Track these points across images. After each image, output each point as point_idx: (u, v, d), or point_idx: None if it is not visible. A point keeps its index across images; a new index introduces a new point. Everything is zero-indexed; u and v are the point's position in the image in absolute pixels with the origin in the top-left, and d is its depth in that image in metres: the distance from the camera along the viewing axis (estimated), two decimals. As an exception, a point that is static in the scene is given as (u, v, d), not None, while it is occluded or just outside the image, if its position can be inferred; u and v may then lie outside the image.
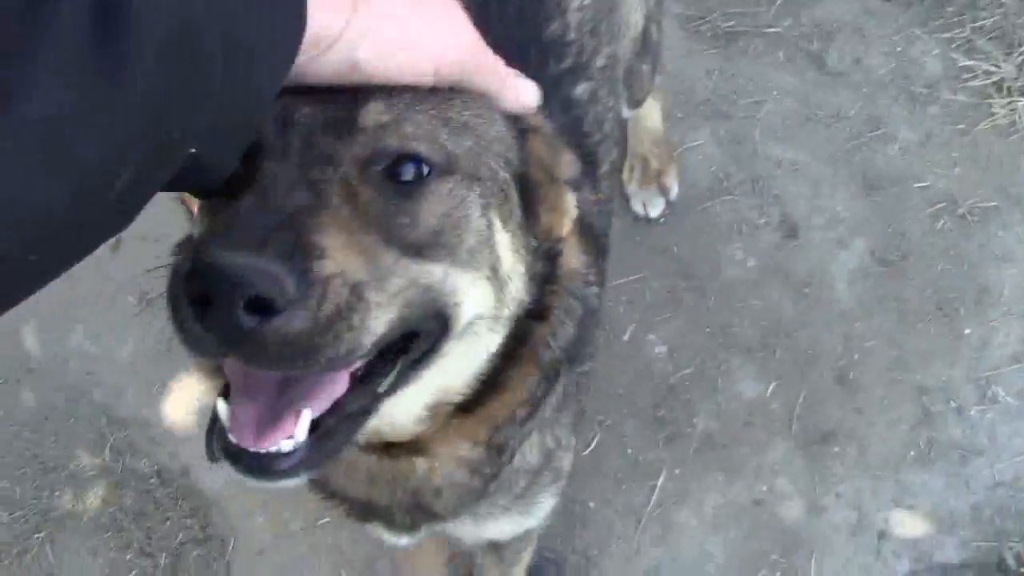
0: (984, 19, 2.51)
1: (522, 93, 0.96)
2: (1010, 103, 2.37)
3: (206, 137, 0.70)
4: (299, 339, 0.73)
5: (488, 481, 1.19)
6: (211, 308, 0.71)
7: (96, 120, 0.60)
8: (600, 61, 1.55)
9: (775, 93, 2.44)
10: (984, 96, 2.40)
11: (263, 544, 2.38)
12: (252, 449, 0.83)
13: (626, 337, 2.29)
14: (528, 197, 0.99)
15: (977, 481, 2.22)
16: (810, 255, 2.33)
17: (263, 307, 0.70)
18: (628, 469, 2.25)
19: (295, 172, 0.80)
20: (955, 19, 2.55)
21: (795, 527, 2.22)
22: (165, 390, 2.47)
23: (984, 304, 2.28)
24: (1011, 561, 2.16)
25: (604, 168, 1.55)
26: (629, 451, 2.26)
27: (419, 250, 0.85)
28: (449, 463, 1.14)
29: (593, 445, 2.25)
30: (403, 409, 1.00)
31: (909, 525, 2.21)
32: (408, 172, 0.85)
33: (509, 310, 0.97)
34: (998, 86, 2.40)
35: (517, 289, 0.97)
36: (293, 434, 0.83)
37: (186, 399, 2.47)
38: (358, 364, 0.84)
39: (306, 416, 0.84)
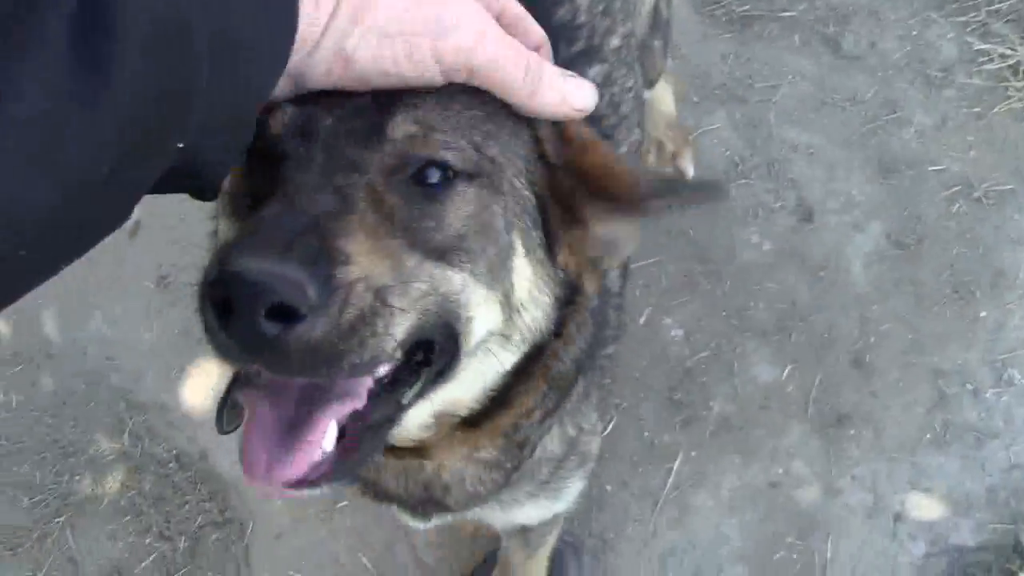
0: (999, 2, 2.50)
1: (570, 94, 0.86)
2: (1026, 86, 2.38)
3: (197, 135, 0.69)
4: (322, 345, 0.72)
5: (509, 474, 1.19)
6: (233, 315, 0.70)
7: (82, 117, 0.60)
8: (615, 42, 1.54)
9: (790, 77, 2.44)
10: (1000, 79, 2.40)
11: (281, 527, 2.40)
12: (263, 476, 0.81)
13: (642, 320, 2.30)
14: (548, 222, 0.95)
15: (993, 463, 2.22)
16: (826, 238, 2.34)
17: (286, 314, 0.69)
18: (644, 452, 2.26)
19: (319, 178, 0.80)
20: (970, 2, 2.54)
21: (811, 509, 2.23)
22: (184, 375, 2.49)
23: (1000, 287, 2.28)
24: (1027, 543, 2.18)
25: (623, 150, 1.55)
26: (645, 434, 2.27)
27: (442, 254, 0.83)
28: (457, 463, 1.14)
29: (610, 428, 2.26)
30: (410, 417, 0.98)
31: (925, 507, 2.22)
32: (434, 175, 0.84)
33: (522, 336, 0.95)
34: (1014, 69, 2.40)
35: (534, 319, 0.95)
36: (304, 472, 0.81)
37: (205, 383, 2.49)
38: (381, 371, 0.83)
39: (332, 428, 0.82)
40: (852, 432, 2.25)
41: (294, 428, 0.82)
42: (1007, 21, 2.48)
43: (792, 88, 2.43)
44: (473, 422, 1.03)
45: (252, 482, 0.81)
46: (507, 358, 0.96)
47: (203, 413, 2.49)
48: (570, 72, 0.87)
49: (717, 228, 2.35)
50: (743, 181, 2.38)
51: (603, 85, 1.49)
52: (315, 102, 0.81)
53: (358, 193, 0.80)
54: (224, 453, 2.47)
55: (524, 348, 0.97)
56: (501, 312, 0.91)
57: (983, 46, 2.44)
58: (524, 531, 1.82)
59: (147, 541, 2.46)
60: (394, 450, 1.08)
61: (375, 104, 0.82)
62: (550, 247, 0.95)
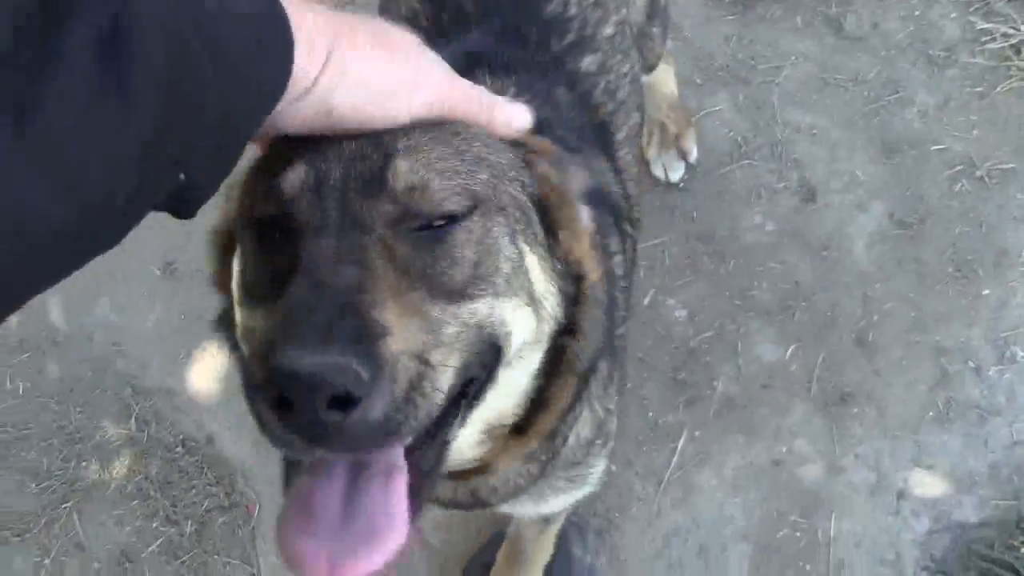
0: (1001, -19, 2.51)
1: (513, 118, 0.98)
2: (1028, 65, 2.38)
3: (194, 163, 0.72)
4: (382, 421, 0.75)
5: (545, 465, 1.22)
6: (294, 412, 0.72)
7: (103, 141, 0.62)
8: (608, 30, 1.56)
9: (793, 58, 2.44)
10: (1002, 59, 2.40)
11: (288, 510, 2.42)
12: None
13: (646, 301, 2.31)
14: (547, 220, 1.00)
15: (995, 440, 2.23)
16: (828, 218, 2.34)
17: (344, 402, 0.72)
18: (648, 432, 2.28)
19: (336, 245, 0.82)
20: (972, -18, 2.54)
21: (814, 488, 2.24)
22: (189, 360, 2.50)
23: (1002, 265, 2.29)
24: (1029, 519, 2.19)
25: (621, 135, 1.56)
26: (650, 414, 2.28)
27: (462, 292, 0.87)
28: (511, 468, 1.17)
29: (614, 408, 2.27)
30: (462, 439, 1.00)
31: (928, 485, 2.23)
32: (438, 221, 0.88)
33: (547, 329, 0.99)
34: (1016, 48, 2.40)
35: (552, 307, 0.98)
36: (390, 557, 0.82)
37: (210, 368, 2.50)
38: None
39: (402, 482, 0.84)
40: (855, 410, 2.26)
41: (353, 510, 0.83)
42: (1010, 0, 2.48)
43: (795, 69, 2.43)
44: (521, 428, 1.07)
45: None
46: (535, 358, 1.00)
47: (209, 398, 2.50)
48: (509, 99, 0.99)
49: (720, 209, 2.36)
50: (746, 162, 2.39)
51: (598, 73, 1.51)
52: (319, 153, 0.86)
53: (375, 254, 0.82)
54: (231, 438, 2.48)
55: (546, 343, 1.00)
56: (531, 312, 0.95)
57: (986, 25, 2.44)
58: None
59: (154, 525, 2.47)
60: (458, 475, 1.11)
61: (373, 147, 0.87)
62: (548, 240, 0.99)
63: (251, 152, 0.91)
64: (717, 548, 2.23)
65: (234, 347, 1.05)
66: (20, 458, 2.52)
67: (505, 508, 1.34)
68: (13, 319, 2.58)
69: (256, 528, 2.42)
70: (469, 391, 0.91)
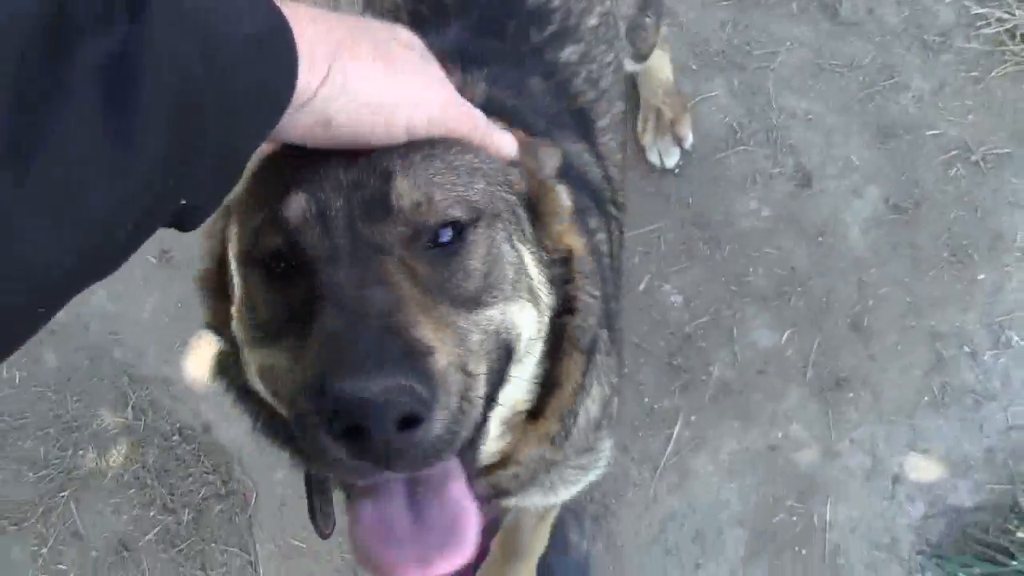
0: (996, -33, 2.50)
1: (501, 146, 1.00)
2: (1023, 50, 2.37)
3: (195, 188, 0.73)
4: (444, 434, 0.77)
5: (560, 446, 1.22)
6: (365, 438, 0.73)
7: (107, 181, 0.62)
8: (592, 21, 1.56)
9: (789, 44, 2.44)
10: (997, 43, 2.40)
11: (285, 497, 2.42)
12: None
13: (642, 287, 2.31)
14: (532, 210, 1.02)
15: (991, 425, 2.24)
16: (824, 204, 2.34)
17: (410, 421, 0.74)
18: (644, 417, 2.28)
19: (357, 271, 0.83)
20: (967, -33, 2.54)
21: (810, 472, 2.25)
22: (186, 348, 2.50)
23: (998, 250, 2.29)
24: (1024, 503, 2.19)
25: (604, 122, 1.56)
26: (646, 399, 2.28)
27: (476, 300, 0.89)
28: (533, 454, 1.19)
29: (610, 394, 2.27)
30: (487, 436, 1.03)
31: (923, 469, 2.24)
32: (446, 235, 0.90)
33: (546, 319, 1.01)
34: (1011, 33, 2.40)
35: (546, 295, 1.01)
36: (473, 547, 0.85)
37: (206, 357, 2.49)
38: None
39: (461, 479, 0.88)
40: (851, 395, 2.27)
41: (421, 515, 0.86)
42: (1004, -15, 2.48)
43: (790, 55, 2.43)
44: (536, 412, 1.08)
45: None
46: (539, 347, 1.02)
47: (206, 386, 2.50)
48: (499, 125, 1.01)
49: (716, 195, 2.36)
50: (742, 148, 2.39)
51: (579, 63, 1.51)
52: (316, 183, 0.86)
53: (398, 275, 0.84)
54: (227, 426, 2.48)
55: (546, 329, 1.02)
56: (533, 307, 0.97)
57: (980, 10, 2.44)
58: None
59: (151, 514, 2.48)
60: (486, 470, 1.12)
61: (372, 170, 0.87)
62: (534, 230, 1.02)
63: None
64: (713, 533, 2.24)
65: (240, 391, 1.06)
66: (17, 447, 2.52)
67: (515, 500, 1.35)
68: (9, 308, 2.58)
69: (253, 516, 2.43)
70: (492, 393, 0.93)
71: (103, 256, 0.67)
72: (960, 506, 2.22)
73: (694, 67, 2.43)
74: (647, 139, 2.37)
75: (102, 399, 2.53)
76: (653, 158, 2.37)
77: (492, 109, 1.09)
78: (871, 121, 2.37)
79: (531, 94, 1.38)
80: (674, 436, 2.27)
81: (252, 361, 0.94)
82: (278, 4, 0.77)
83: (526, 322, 0.96)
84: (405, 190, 0.87)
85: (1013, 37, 2.40)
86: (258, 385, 0.96)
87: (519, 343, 0.95)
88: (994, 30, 2.41)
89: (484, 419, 0.90)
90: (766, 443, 2.26)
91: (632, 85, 2.42)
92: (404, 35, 0.92)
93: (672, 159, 2.36)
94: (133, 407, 2.51)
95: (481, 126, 0.96)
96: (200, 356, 2.51)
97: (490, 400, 0.91)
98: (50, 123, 0.59)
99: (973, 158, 2.33)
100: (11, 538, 2.48)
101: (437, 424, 0.76)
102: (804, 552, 2.22)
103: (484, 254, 0.92)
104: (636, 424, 2.27)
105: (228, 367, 1.07)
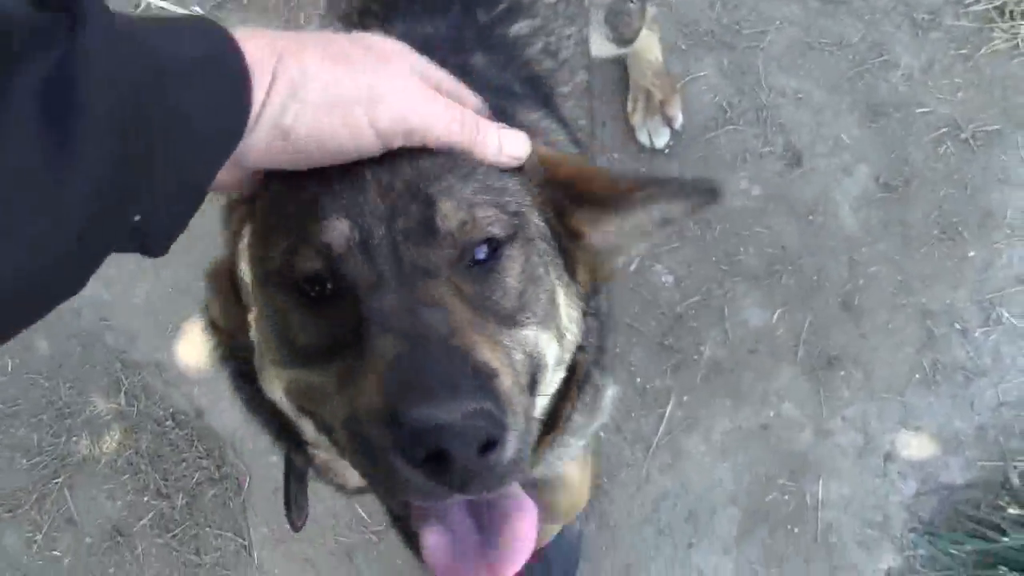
0: (986, -56, 2.50)
1: (506, 144, 0.93)
2: (1012, 27, 2.37)
3: (150, 205, 0.72)
4: (515, 455, 0.78)
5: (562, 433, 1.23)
6: (441, 464, 0.73)
7: (49, 191, 0.62)
8: None
9: (778, 23, 2.43)
10: (986, 20, 2.40)
11: (278, 482, 2.41)
12: None
13: (633, 268, 2.31)
14: (560, 242, 1.00)
15: (982, 402, 2.24)
16: (814, 182, 2.34)
17: (489, 445, 0.75)
18: (636, 398, 2.28)
19: (407, 295, 0.82)
20: (956, -56, 2.53)
21: (802, 451, 2.25)
22: (178, 333, 2.50)
23: (988, 227, 2.29)
24: (1016, 480, 2.20)
25: (566, 89, 1.54)
26: (637, 380, 2.29)
27: (513, 319, 0.90)
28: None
29: (602, 375, 2.27)
30: None
31: (915, 447, 2.24)
32: (482, 252, 0.89)
33: (567, 357, 1.01)
34: (1000, 10, 2.39)
35: (573, 335, 1.01)
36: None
37: (199, 342, 2.49)
38: None
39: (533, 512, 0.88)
40: (842, 373, 2.27)
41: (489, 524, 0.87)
42: (993, -38, 2.47)
43: (779, 34, 2.42)
44: (551, 425, 1.09)
45: None
46: (559, 377, 1.03)
47: (198, 371, 2.50)
48: (504, 125, 0.94)
49: (706, 174, 2.35)
50: (731, 127, 2.38)
51: (533, 35, 1.49)
52: (356, 206, 0.85)
53: (450, 297, 0.84)
54: (220, 410, 2.48)
55: (568, 363, 1.03)
56: (558, 345, 0.97)
57: (969, -12, 2.44)
58: None
59: (145, 499, 2.48)
60: None
61: (409, 197, 0.86)
62: (567, 266, 1.00)
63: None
64: (706, 512, 2.24)
65: (258, 404, 1.05)
66: (10, 434, 2.52)
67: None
68: (0, 295, 2.58)
69: (247, 500, 2.43)
70: None
71: (55, 270, 0.66)
72: (952, 483, 2.22)
73: (683, 47, 2.42)
74: (637, 119, 2.37)
75: (95, 385, 2.53)
76: (643, 138, 2.37)
77: None
78: (861, 99, 2.37)
79: (476, 72, 1.36)
80: (666, 416, 2.27)
81: (279, 377, 0.93)
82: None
83: (551, 354, 0.96)
84: (450, 211, 0.86)
85: (1002, 14, 2.39)
86: (276, 394, 0.95)
87: (544, 373, 0.95)
88: (983, 7, 2.41)
89: None
90: (758, 422, 2.27)
91: (622, 66, 2.42)
92: (371, 39, 0.88)
93: (662, 139, 2.35)
94: (126, 393, 2.52)
95: (468, 124, 0.89)
96: (193, 341, 2.51)
97: None
98: None
99: (963, 135, 2.33)
100: (5, 525, 2.49)
101: (511, 446, 0.77)
102: (796, 531, 2.23)
103: (519, 272, 0.91)
104: (628, 404, 2.27)
105: (246, 378, 1.06)
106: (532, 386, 0.93)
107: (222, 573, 2.40)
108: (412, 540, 0.88)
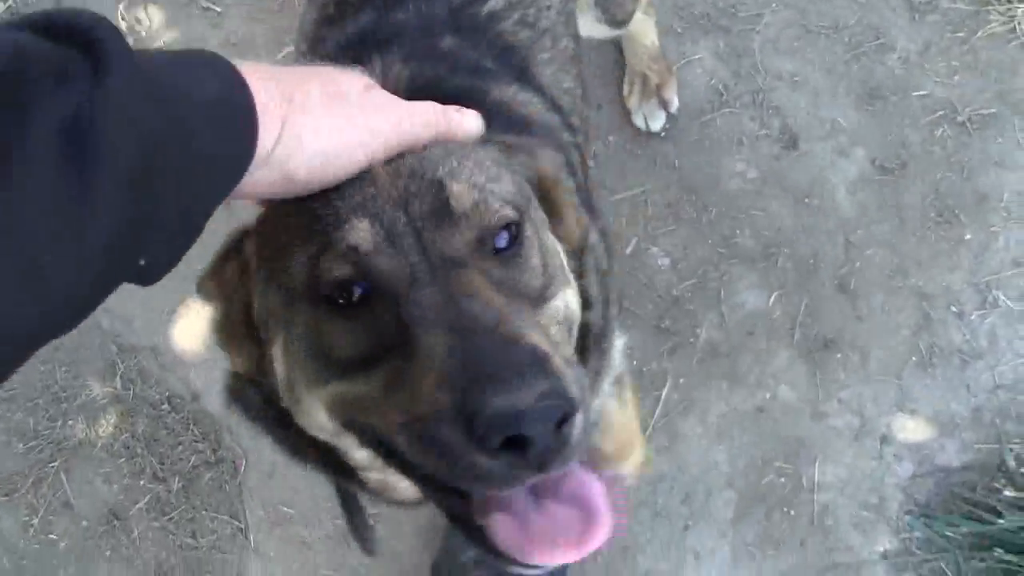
0: (983, -72, 2.49)
1: (466, 125, 0.99)
2: (1008, 9, 2.36)
3: (155, 248, 0.73)
4: (583, 430, 0.79)
5: None
6: (521, 449, 0.75)
7: (67, 242, 0.62)
8: None
9: (774, 5, 2.43)
10: (983, 3, 2.39)
11: (274, 465, 2.42)
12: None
13: (629, 250, 2.31)
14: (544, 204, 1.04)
15: (978, 384, 2.24)
16: (811, 165, 2.34)
17: (563, 422, 0.76)
18: (633, 380, 2.28)
19: (442, 288, 0.83)
20: (953, -72, 2.53)
21: (798, 434, 2.25)
22: (174, 317, 2.49)
23: (984, 210, 2.29)
24: (1012, 462, 2.20)
25: (546, 55, 1.53)
26: (634, 362, 2.28)
27: (543, 296, 0.92)
28: None
29: (598, 357, 2.27)
30: None
31: (911, 429, 2.24)
32: (503, 239, 0.91)
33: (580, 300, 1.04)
34: (997, -7, 2.40)
35: (576, 284, 1.03)
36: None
37: (195, 326, 2.50)
38: None
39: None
40: (838, 356, 2.27)
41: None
42: (990, -54, 2.47)
43: (775, 16, 2.42)
44: None
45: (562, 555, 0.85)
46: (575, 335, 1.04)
47: (194, 355, 2.50)
48: (457, 108, 1.00)
49: (702, 157, 2.35)
50: (727, 110, 2.38)
51: (507, 9, 1.49)
52: (371, 204, 0.86)
53: (484, 285, 0.85)
54: (216, 393, 2.48)
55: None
56: (575, 292, 0.99)
57: (966, -29, 2.43)
58: None
59: (141, 483, 2.48)
60: None
61: (421, 182, 0.88)
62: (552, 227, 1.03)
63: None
64: (702, 495, 2.24)
65: (303, 445, 1.06)
66: (6, 418, 2.52)
67: None
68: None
69: (243, 483, 2.43)
70: None
71: (64, 313, 0.67)
72: (948, 466, 2.22)
73: (679, 30, 2.42)
74: (633, 103, 2.36)
75: (91, 369, 2.53)
76: (639, 122, 2.36)
77: (417, 87, 1.13)
78: (857, 82, 2.37)
79: (445, 56, 1.36)
80: (662, 399, 2.27)
81: (319, 397, 0.92)
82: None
83: (575, 305, 0.98)
84: (462, 192, 0.88)
85: (999, -3, 2.39)
86: (318, 418, 0.95)
87: (574, 330, 0.98)
88: (980, -10, 2.41)
89: None
90: (754, 405, 2.27)
91: (617, 49, 2.42)
92: (347, 74, 0.93)
93: (658, 123, 2.35)
94: (122, 376, 2.51)
95: (441, 122, 0.95)
96: (188, 325, 2.50)
97: None
98: (7, 181, 0.58)
99: (959, 119, 2.33)
100: (1, 509, 2.49)
101: (580, 417, 0.78)
102: (792, 513, 2.23)
103: (536, 249, 0.94)
104: (624, 387, 2.27)
105: (245, 394, 1.08)
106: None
107: (218, 556, 2.41)
108: (477, 535, 0.88)
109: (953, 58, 2.37)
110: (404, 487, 1.07)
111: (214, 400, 2.48)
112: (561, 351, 0.86)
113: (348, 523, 1.22)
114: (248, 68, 0.78)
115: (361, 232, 0.85)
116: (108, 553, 2.46)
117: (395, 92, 0.97)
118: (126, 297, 2.54)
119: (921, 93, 2.35)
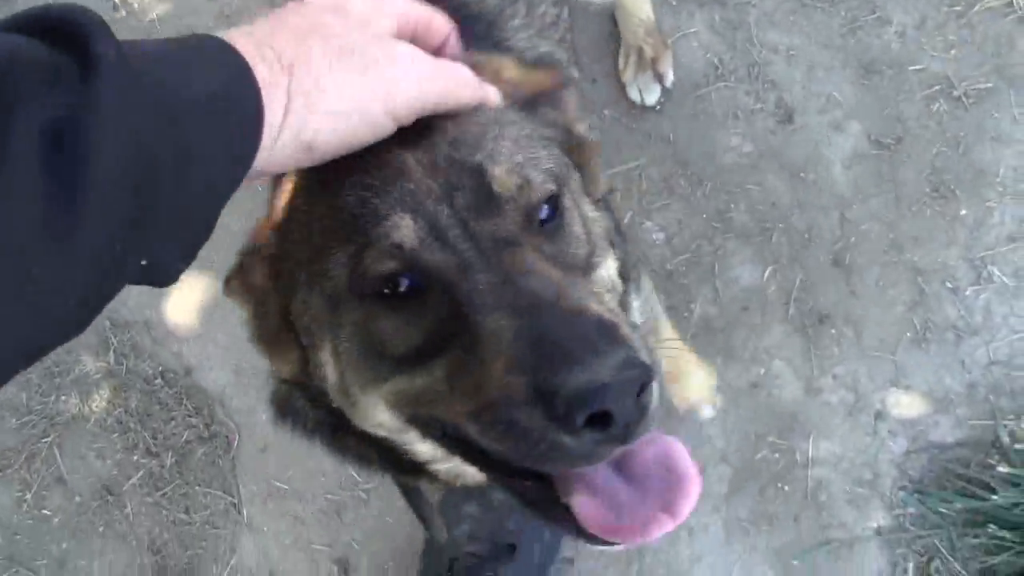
0: (981, -97, 2.48)
1: (493, 96, 0.96)
2: (1007, -16, 2.35)
3: (158, 250, 0.71)
4: (657, 393, 0.78)
5: None
6: (604, 422, 0.73)
7: (55, 247, 0.61)
8: None
9: (770, -21, 2.41)
10: (980, -23, 2.38)
11: (267, 440, 2.42)
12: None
13: (624, 223, 2.30)
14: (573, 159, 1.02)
15: (972, 360, 2.23)
16: (806, 140, 2.33)
17: (642, 390, 0.75)
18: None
19: (497, 270, 0.81)
20: (952, -97, 2.51)
21: (793, 409, 2.25)
22: (167, 291, 2.49)
23: (980, 185, 2.28)
24: (1006, 438, 2.19)
25: (516, 22, 1.52)
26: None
27: (590, 265, 0.91)
28: None
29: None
30: None
31: (905, 405, 2.24)
32: (544, 211, 0.90)
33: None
34: (995, -32, 2.38)
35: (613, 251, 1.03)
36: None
37: (188, 300, 2.49)
38: None
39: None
40: (833, 331, 2.26)
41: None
42: (988, -80, 2.45)
43: (772, -10, 2.41)
44: None
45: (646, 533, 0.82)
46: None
47: (187, 329, 2.50)
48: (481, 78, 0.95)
49: (697, 131, 2.34)
50: (723, 84, 2.37)
51: None
52: (410, 198, 0.84)
53: (538, 261, 0.83)
54: (209, 368, 2.48)
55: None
56: (614, 255, 0.99)
57: (964, -54, 2.42)
58: None
59: (135, 458, 2.48)
60: None
61: (458, 172, 0.86)
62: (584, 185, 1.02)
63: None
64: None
65: (363, 447, 1.04)
66: (-1, 394, 2.52)
67: None
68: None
69: (236, 458, 2.43)
70: None
71: (58, 322, 0.66)
72: (942, 442, 2.22)
73: (674, 2, 2.40)
74: (627, 76, 2.35)
75: (83, 344, 2.53)
76: (634, 95, 2.35)
77: None
78: (853, 56, 2.35)
79: None
80: (656, 374, 2.26)
81: (379, 394, 0.91)
82: (222, 36, 0.75)
83: (615, 272, 0.98)
84: (503, 176, 0.86)
85: (997, -28, 2.38)
86: (379, 417, 0.93)
87: (616, 295, 0.97)
88: (978, -35, 2.39)
89: None
90: (748, 380, 2.26)
91: (612, 22, 2.40)
92: (344, 21, 0.85)
93: (653, 96, 2.34)
94: (115, 351, 2.51)
95: (472, 83, 0.91)
96: (181, 300, 2.50)
97: None
98: None
99: (955, 93, 2.32)
100: (-5, 483, 2.49)
101: (654, 386, 0.77)
102: (786, 488, 2.22)
103: (578, 218, 0.93)
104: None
105: (292, 406, 1.06)
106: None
107: (211, 531, 2.40)
108: (561, 519, 0.85)
109: (950, 32, 2.35)
110: (472, 472, 1.04)
111: (207, 375, 2.47)
112: (620, 316, 0.85)
113: (417, 514, 1.21)
114: (242, 39, 0.75)
115: (404, 229, 0.83)
116: (101, 528, 2.46)
117: None
118: (119, 272, 2.55)
119: (917, 67, 2.34)
